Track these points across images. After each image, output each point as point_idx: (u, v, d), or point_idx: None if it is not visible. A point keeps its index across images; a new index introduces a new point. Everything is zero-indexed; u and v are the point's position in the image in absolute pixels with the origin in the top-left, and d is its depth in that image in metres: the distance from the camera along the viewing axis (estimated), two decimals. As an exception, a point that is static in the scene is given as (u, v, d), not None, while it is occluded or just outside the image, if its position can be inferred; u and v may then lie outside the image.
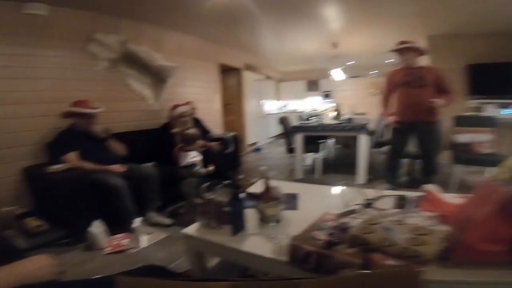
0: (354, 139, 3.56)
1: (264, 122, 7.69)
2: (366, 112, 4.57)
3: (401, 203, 1.25)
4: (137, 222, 2.23)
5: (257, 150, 6.47)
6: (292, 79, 9.19)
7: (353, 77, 7.76)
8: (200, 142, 2.62)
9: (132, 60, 3.47)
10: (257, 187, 1.39)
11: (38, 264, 0.73)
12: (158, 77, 3.84)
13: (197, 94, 4.52)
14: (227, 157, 3.62)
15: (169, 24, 3.86)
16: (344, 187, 1.15)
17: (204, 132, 3.79)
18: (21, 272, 0.68)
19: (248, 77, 6.46)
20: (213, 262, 1.48)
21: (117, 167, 2.39)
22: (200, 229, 1.23)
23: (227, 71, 5.95)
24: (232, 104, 6.19)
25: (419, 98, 2.79)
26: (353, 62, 7.04)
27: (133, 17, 3.43)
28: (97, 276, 0.97)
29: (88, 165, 2.31)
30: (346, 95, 7.45)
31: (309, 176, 3.78)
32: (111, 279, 0.78)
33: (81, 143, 2.41)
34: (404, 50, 2.83)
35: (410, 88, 2.84)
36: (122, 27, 3.36)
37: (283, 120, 4.10)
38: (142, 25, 3.62)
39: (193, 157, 2.44)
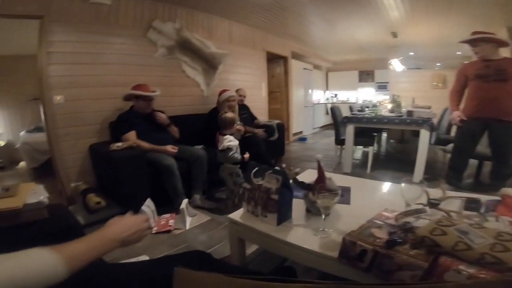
0: (412, 133, 3.25)
1: (311, 111, 7.49)
2: (430, 106, 4.12)
3: (472, 206, 1.11)
4: (184, 203, 2.28)
5: (302, 139, 6.35)
6: (343, 69, 8.75)
7: (413, 68, 7.10)
8: (238, 127, 2.55)
9: (186, 47, 3.60)
10: (306, 177, 1.33)
11: (129, 224, 0.73)
12: (209, 64, 3.93)
13: (245, 81, 4.55)
14: (271, 144, 3.60)
15: (219, 12, 3.90)
16: (404, 184, 1.04)
17: (251, 119, 3.82)
18: (112, 237, 0.67)
19: (296, 65, 6.30)
20: (251, 249, 1.46)
21: (170, 148, 2.52)
22: (245, 216, 1.21)
23: (274, 59, 5.87)
24: (278, 92, 6.12)
25: (496, 93, 2.42)
26: (412, 53, 6.43)
27: (187, 5, 3.52)
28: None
29: (145, 144, 2.47)
30: (405, 87, 6.83)
31: (358, 171, 3.58)
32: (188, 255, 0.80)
33: (139, 123, 2.58)
34: (479, 40, 2.46)
35: (486, 82, 2.48)
36: (178, 15, 3.47)
37: (333, 110, 3.92)
38: (195, 12, 3.71)
39: (229, 141, 2.36)
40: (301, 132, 6.79)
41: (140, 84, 2.66)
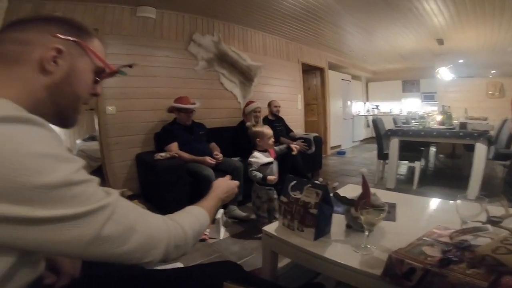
0: (465, 148, 2.96)
1: (350, 124, 7.23)
2: (486, 117, 3.75)
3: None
4: (219, 213, 2.30)
5: (341, 153, 6.12)
6: (385, 79, 8.38)
7: (464, 77, 6.55)
8: (270, 141, 2.21)
9: (224, 60, 3.74)
10: (346, 192, 1.27)
11: (227, 186, 0.90)
12: (246, 77, 4.03)
13: (280, 93, 4.57)
14: (308, 158, 3.53)
15: (253, 24, 4.01)
16: (460, 201, 0.94)
17: (286, 131, 3.80)
18: (219, 196, 0.85)
19: (333, 76, 6.19)
20: (283, 262, 1.43)
21: (209, 159, 2.60)
22: (280, 229, 1.19)
23: (311, 70, 5.83)
24: (315, 104, 6.03)
25: None
26: (462, 61, 5.96)
27: (224, 18, 3.68)
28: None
29: (186, 155, 2.59)
30: (455, 97, 6.32)
31: (402, 187, 3.34)
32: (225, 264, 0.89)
33: (181, 135, 2.72)
34: None
35: None
36: (215, 28, 3.65)
37: (375, 123, 3.74)
38: (231, 25, 3.87)
39: (253, 157, 2.14)
40: (339, 146, 6.56)
41: (182, 97, 2.81)
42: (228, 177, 0.96)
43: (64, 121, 0.58)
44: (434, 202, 1.45)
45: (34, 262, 0.49)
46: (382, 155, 3.58)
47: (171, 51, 3.23)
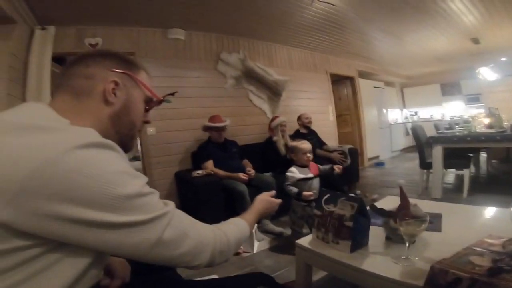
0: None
1: (387, 133, 6.90)
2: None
3: None
4: (253, 227, 2.31)
5: (379, 164, 5.83)
6: (421, 83, 7.92)
7: (510, 75, 6.00)
8: (306, 156, 2.10)
9: (251, 76, 3.86)
10: (386, 203, 1.23)
11: (269, 202, 0.94)
12: (273, 92, 4.10)
13: (309, 106, 4.53)
14: (343, 171, 3.42)
15: (277, 39, 4.09)
16: (512, 209, 0.87)
17: (319, 144, 3.74)
18: (260, 211, 0.90)
19: (365, 84, 6.02)
20: (317, 275, 1.41)
21: (242, 175, 2.65)
22: (314, 242, 1.19)
23: (340, 80, 5.74)
24: (348, 115, 5.88)
25: None
26: (505, 59, 5.48)
27: (248, 35, 3.81)
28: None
29: (221, 172, 2.68)
30: (503, 98, 5.79)
31: (450, 196, 3.08)
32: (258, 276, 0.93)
33: (215, 152, 2.83)
34: None
35: None
36: (241, 45, 3.79)
37: (414, 130, 3.54)
38: (255, 42, 3.99)
39: (289, 171, 2.08)
40: (377, 157, 6.26)
41: (214, 116, 2.94)
42: (272, 192, 0.98)
43: (124, 147, 0.63)
44: (486, 211, 1.34)
45: (101, 264, 0.56)
46: (425, 164, 3.35)
47: (201, 71, 3.41)
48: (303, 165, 2.10)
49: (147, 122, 0.72)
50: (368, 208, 1.10)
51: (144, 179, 0.53)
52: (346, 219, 1.04)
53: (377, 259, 0.99)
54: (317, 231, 1.17)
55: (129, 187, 0.48)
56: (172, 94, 0.83)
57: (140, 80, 0.65)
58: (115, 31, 2.91)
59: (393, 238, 1.04)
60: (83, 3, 2.38)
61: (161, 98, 0.72)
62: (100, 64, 0.61)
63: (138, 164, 4.59)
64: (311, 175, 2.09)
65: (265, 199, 0.94)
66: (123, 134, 0.63)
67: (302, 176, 2.06)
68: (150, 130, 3.00)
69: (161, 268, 0.88)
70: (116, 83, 0.60)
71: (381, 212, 1.06)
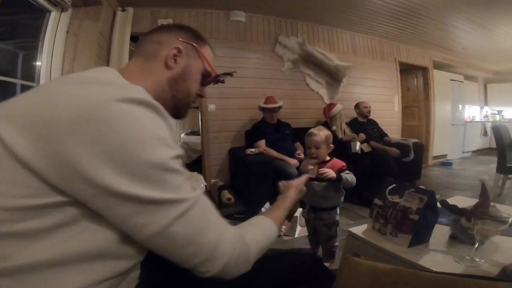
0: None
1: (461, 131, 6.13)
2: None
3: None
4: (298, 212, 2.28)
5: (446, 164, 5.25)
6: (511, 80, 6.75)
7: None
8: (311, 151, 1.59)
9: (309, 61, 3.74)
10: (455, 202, 1.13)
11: (301, 192, 0.93)
12: (333, 77, 3.92)
13: (372, 95, 4.26)
14: (405, 166, 3.18)
15: (340, 24, 3.87)
16: None
17: (379, 135, 3.51)
18: (292, 199, 0.87)
19: (439, 76, 5.37)
20: None
21: (293, 160, 2.63)
22: (368, 232, 1.14)
23: (410, 70, 5.21)
24: (416, 107, 5.36)
25: None
26: None
27: (307, 19, 3.68)
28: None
29: (273, 152, 2.71)
30: None
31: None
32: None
33: (269, 133, 2.87)
34: None
35: None
36: (299, 29, 3.69)
37: (497, 130, 3.09)
38: (315, 26, 3.83)
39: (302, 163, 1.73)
40: (445, 156, 5.64)
41: (268, 97, 2.99)
42: (303, 178, 0.98)
43: (177, 112, 0.68)
44: None
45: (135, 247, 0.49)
46: (504, 169, 2.92)
47: (260, 53, 3.45)
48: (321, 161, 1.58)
49: (201, 95, 0.72)
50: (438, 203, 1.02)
51: (177, 151, 0.47)
52: (411, 212, 0.98)
53: (437, 257, 0.92)
54: (374, 222, 1.13)
55: (156, 154, 0.43)
56: (230, 74, 0.84)
57: (203, 53, 0.68)
58: (184, 13, 3.11)
59: (460, 237, 0.95)
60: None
61: (218, 74, 0.73)
62: (171, 33, 0.66)
63: (195, 138, 4.94)
64: (313, 175, 1.44)
65: (296, 190, 0.90)
66: (178, 100, 0.66)
67: (304, 172, 1.50)
68: (211, 106, 3.16)
69: None
70: (179, 50, 0.63)
71: (453, 209, 0.97)
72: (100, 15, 2.36)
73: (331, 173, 1.46)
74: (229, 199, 2.67)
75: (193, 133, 5.67)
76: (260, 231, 0.63)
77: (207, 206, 0.52)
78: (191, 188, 0.48)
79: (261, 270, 0.75)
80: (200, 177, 1.49)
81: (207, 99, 3.13)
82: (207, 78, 0.71)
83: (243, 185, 2.73)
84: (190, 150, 5.05)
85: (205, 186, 1.36)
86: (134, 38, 2.83)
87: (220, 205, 2.64)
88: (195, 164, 4.68)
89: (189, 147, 5.07)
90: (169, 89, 0.63)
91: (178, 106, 0.67)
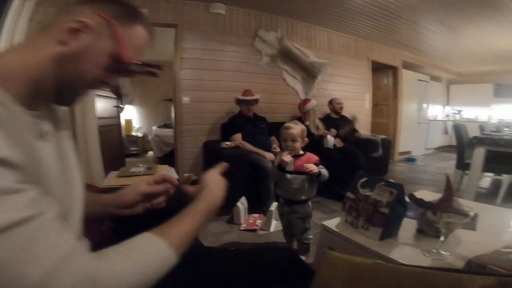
0: None
1: (425, 129, 6.53)
2: None
3: None
4: (273, 206, 2.33)
5: (410, 160, 5.58)
6: (472, 82, 7.30)
7: None
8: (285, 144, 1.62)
9: (287, 56, 3.76)
10: (420, 196, 1.19)
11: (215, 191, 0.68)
12: (308, 73, 3.97)
13: (345, 92, 4.39)
14: (373, 161, 3.32)
15: (319, 21, 3.92)
16: None
17: (351, 131, 3.62)
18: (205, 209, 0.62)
19: (408, 76, 5.65)
20: None
21: (269, 154, 2.64)
22: (341, 226, 1.16)
23: (381, 69, 5.43)
24: (385, 105, 5.61)
25: None
26: None
27: (287, 14, 3.68)
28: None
29: (249, 146, 2.70)
30: None
31: (482, 201, 2.89)
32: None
33: (245, 126, 2.85)
34: None
35: None
36: (279, 24, 3.69)
37: (457, 128, 3.32)
38: (295, 22, 3.85)
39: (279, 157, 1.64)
40: (409, 152, 5.99)
41: (246, 90, 2.97)
42: (222, 166, 0.76)
43: (61, 98, 0.55)
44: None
45: None
46: (462, 165, 3.16)
47: (238, 47, 3.40)
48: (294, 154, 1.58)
49: (107, 84, 0.56)
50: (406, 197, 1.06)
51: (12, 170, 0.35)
52: (382, 205, 1.00)
53: (406, 250, 0.96)
54: (346, 215, 1.15)
55: None
56: (157, 66, 0.65)
57: (119, 33, 0.53)
58: (160, 3, 2.95)
59: (426, 231, 1.00)
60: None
61: (132, 61, 0.55)
62: (96, 6, 0.52)
63: (168, 131, 4.79)
64: (291, 169, 1.55)
65: (212, 187, 0.67)
66: (63, 83, 0.51)
67: (284, 167, 1.55)
68: (185, 99, 3.07)
69: None
70: (86, 25, 0.50)
71: (421, 203, 1.01)
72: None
73: (314, 169, 1.49)
74: (203, 193, 2.63)
75: (166, 125, 5.50)
76: (128, 261, 0.43)
77: (43, 231, 0.37)
78: (24, 205, 0.35)
79: (239, 266, 0.74)
80: (172, 170, 1.43)
81: (182, 91, 3.04)
82: (117, 64, 0.54)
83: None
84: (162, 143, 4.89)
85: (177, 179, 1.30)
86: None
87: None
88: (167, 157, 4.55)
89: (161, 140, 4.91)
90: (54, 68, 0.49)
91: (62, 90, 0.52)
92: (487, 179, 3.70)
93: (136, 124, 6.14)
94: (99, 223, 0.82)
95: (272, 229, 2.23)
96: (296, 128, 1.57)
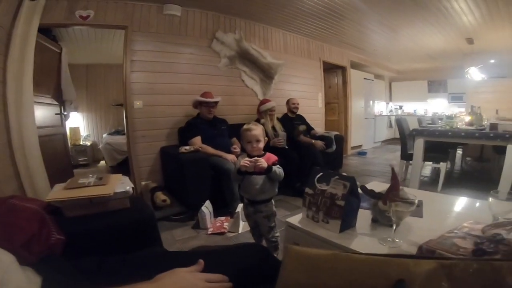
0: (494, 150, 2.83)
1: (372, 124, 7.09)
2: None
3: None
4: (239, 207, 2.33)
5: (362, 153, 6.01)
6: (409, 79, 8.12)
7: (495, 77, 6.22)
8: (250, 146, 1.59)
9: (245, 58, 3.79)
10: (372, 188, 1.27)
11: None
12: (266, 74, 4.06)
13: (300, 91, 4.56)
14: (328, 156, 3.50)
15: (274, 22, 4.03)
16: (493, 199, 0.92)
17: (307, 130, 3.78)
18: None
19: (355, 75, 6.09)
20: None
21: (231, 156, 2.63)
22: (304, 221, 1.19)
23: (332, 69, 5.77)
24: (336, 103, 5.97)
25: None
26: (493, 61, 5.68)
27: (245, 16, 3.72)
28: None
29: (209, 149, 2.65)
30: (486, 98, 6.02)
31: (426, 188, 3.23)
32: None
33: (205, 129, 2.79)
34: None
35: None
36: (237, 26, 3.70)
37: (399, 122, 3.66)
38: (252, 23, 3.91)
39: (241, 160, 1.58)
40: (360, 146, 6.45)
41: (205, 92, 2.90)
42: (195, 267, 0.61)
43: None
44: (462, 201, 1.41)
45: None
46: (406, 156, 3.49)
47: (195, 49, 3.32)
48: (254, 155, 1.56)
49: None
50: (358, 189, 1.13)
51: None
52: (338, 198, 1.05)
53: (364, 240, 1.02)
54: (307, 210, 1.18)
55: None
56: None
57: None
58: (108, 4, 2.76)
59: (380, 220, 1.08)
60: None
61: None
62: None
63: (121, 138, 4.50)
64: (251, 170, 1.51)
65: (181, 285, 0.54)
66: None
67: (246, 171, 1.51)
68: (137, 103, 2.90)
69: (142, 245, 0.81)
70: None
71: (371, 193, 1.08)
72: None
73: (263, 163, 1.49)
74: (164, 200, 2.53)
75: (118, 132, 5.15)
76: None
77: None
78: None
79: (214, 266, 0.71)
80: (126, 179, 1.34)
81: (133, 95, 2.87)
82: None
83: (179, 185, 2.60)
84: (114, 151, 4.58)
85: (132, 188, 1.23)
86: (44, 30, 2.44)
87: (154, 208, 2.47)
88: (120, 166, 4.27)
89: (113, 148, 4.59)
90: None
91: None
92: (428, 168, 4.13)
93: (84, 132, 5.65)
94: (46, 236, 0.76)
95: (240, 230, 2.23)
96: (257, 129, 1.58)
